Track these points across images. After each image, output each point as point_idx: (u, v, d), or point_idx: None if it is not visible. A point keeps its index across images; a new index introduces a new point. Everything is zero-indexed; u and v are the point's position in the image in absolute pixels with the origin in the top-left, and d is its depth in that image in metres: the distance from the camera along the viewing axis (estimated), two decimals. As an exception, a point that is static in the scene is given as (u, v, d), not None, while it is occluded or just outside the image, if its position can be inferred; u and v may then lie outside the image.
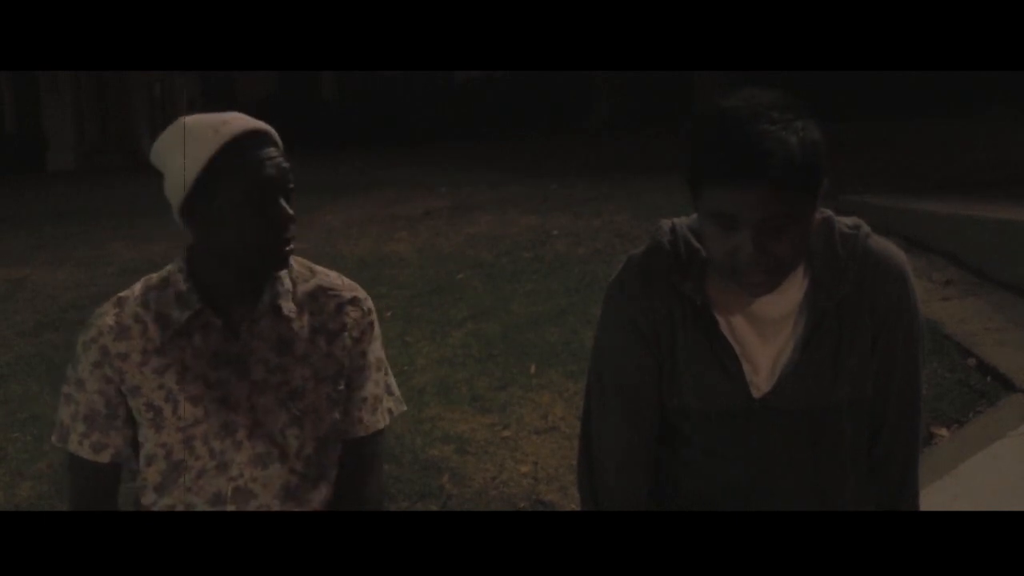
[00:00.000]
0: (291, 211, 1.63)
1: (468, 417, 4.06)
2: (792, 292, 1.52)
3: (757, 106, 1.39)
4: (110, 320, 1.70)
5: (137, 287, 1.74)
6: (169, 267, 1.74)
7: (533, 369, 4.48)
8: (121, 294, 1.74)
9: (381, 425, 1.80)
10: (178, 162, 1.62)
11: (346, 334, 1.74)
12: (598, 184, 8.87)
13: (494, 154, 12.91)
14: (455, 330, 5.14)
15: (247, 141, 1.61)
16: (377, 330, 1.80)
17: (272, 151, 1.63)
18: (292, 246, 1.66)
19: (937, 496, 3.03)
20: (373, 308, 1.80)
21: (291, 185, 1.64)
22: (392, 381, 1.85)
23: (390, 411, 1.82)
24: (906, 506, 1.65)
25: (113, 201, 11.38)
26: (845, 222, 1.56)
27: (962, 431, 3.63)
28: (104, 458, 1.71)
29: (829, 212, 1.55)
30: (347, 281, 1.80)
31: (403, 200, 9.26)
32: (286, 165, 1.64)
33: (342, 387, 1.74)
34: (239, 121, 1.63)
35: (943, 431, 3.63)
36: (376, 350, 1.79)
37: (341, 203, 9.38)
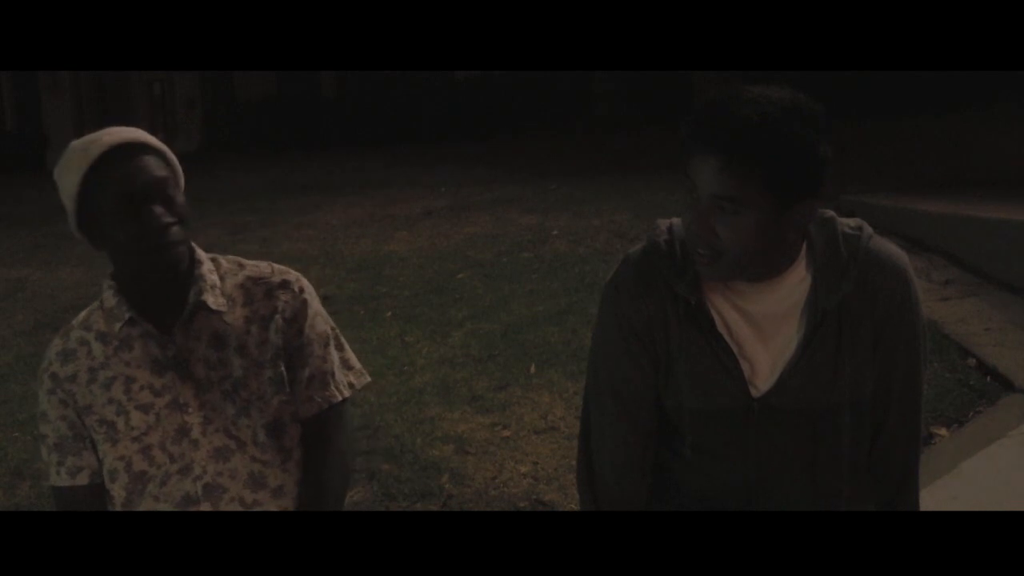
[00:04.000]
0: (168, 217, 1.64)
1: (468, 417, 4.07)
2: (793, 291, 1.52)
3: (758, 94, 1.40)
4: (57, 347, 1.75)
5: (82, 314, 1.79)
6: (103, 287, 1.79)
7: (533, 369, 4.48)
8: (68, 324, 1.79)
9: (337, 399, 1.80)
10: (62, 184, 1.67)
11: (278, 316, 1.76)
12: (598, 184, 8.87)
13: (494, 154, 12.91)
14: (455, 330, 5.14)
15: (117, 154, 1.64)
16: (315, 308, 1.80)
17: (144, 160, 1.65)
18: (177, 248, 1.66)
19: (937, 496, 3.03)
20: (307, 288, 1.81)
21: (171, 191, 1.66)
22: (350, 356, 1.86)
23: (351, 385, 1.83)
24: (906, 506, 1.64)
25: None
26: (848, 223, 1.56)
27: (962, 431, 3.63)
28: (83, 480, 1.73)
29: (831, 212, 1.55)
30: (278, 267, 1.82)
31: (403, 200, 9.27)
32: (160, 174, 1.65)
33: (282, 369, 1.76)
34: (110, 136, 1.66)
35: (943, 431, 3.64)
36: (316, 326, 1.80)
37: (341, 203, 9.39)
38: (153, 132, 1.72)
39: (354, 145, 16.39)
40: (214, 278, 1.75)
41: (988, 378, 3.98)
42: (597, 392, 1.64)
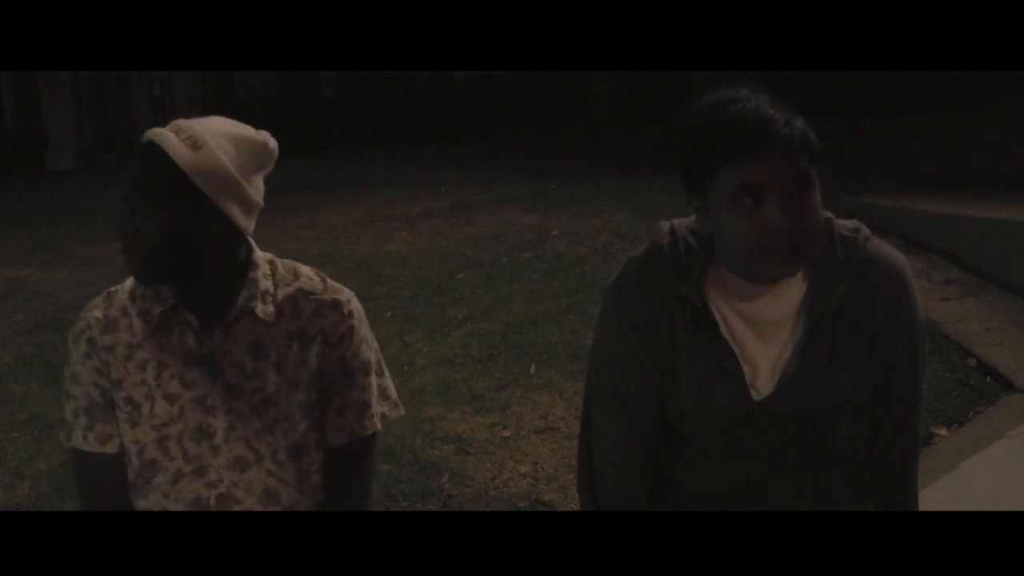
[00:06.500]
0: (134, 228, 1.58)
1: (468, 417, 4.06)
2: (791, 294, 1.52)
3: (737, 91, 1.44)
4: (98, 313, 1.70)
5: (128, 282, 1.72)
6: None
7: (533, 369, 4.48)
8: (112, 288, 1.74)
9: (369, 431, 1.73)
10: None
11: (320, 338, 1.68)
12: (598, 184, 8.87)
13: (494, 154, 12.91)
14: (455, 330, 5.14)
15: (145, 149, 1.59)
16: (363, 333, 1.72)
17: (144, 166, 1.59)
18: (137, 259, 1.60)
19: (937, 496, 3.03)
20: (357, 310, 1.73)
21: (154, 201, 1.57)
22: (388, 384, 1.78)
23: (383, 415, 1.76)
24: (906, 506, 1.65)
25: (113, 201, 11.38)
26: (845, 224, 1.56)
27: (962, 431, 3.63)
28: (111, 448, 1.69)
29: (829, 214, 1.55)
30: (331, 284, 1.74)
31: (403, 200, 9.27)
32: (151, 180, 1.57)
33: (314, 394, 1.69)
34: (160, 130, 1.60)
35: (943, 431, 3.63)
36: (361, 354, 1.72)
37: (341, 203, 9.39)
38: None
39: (354, 145, 16.39)
40: (267, 284, 1.68)
41: (988, 378, 3.97)
42: (598, 392, 1.64)
